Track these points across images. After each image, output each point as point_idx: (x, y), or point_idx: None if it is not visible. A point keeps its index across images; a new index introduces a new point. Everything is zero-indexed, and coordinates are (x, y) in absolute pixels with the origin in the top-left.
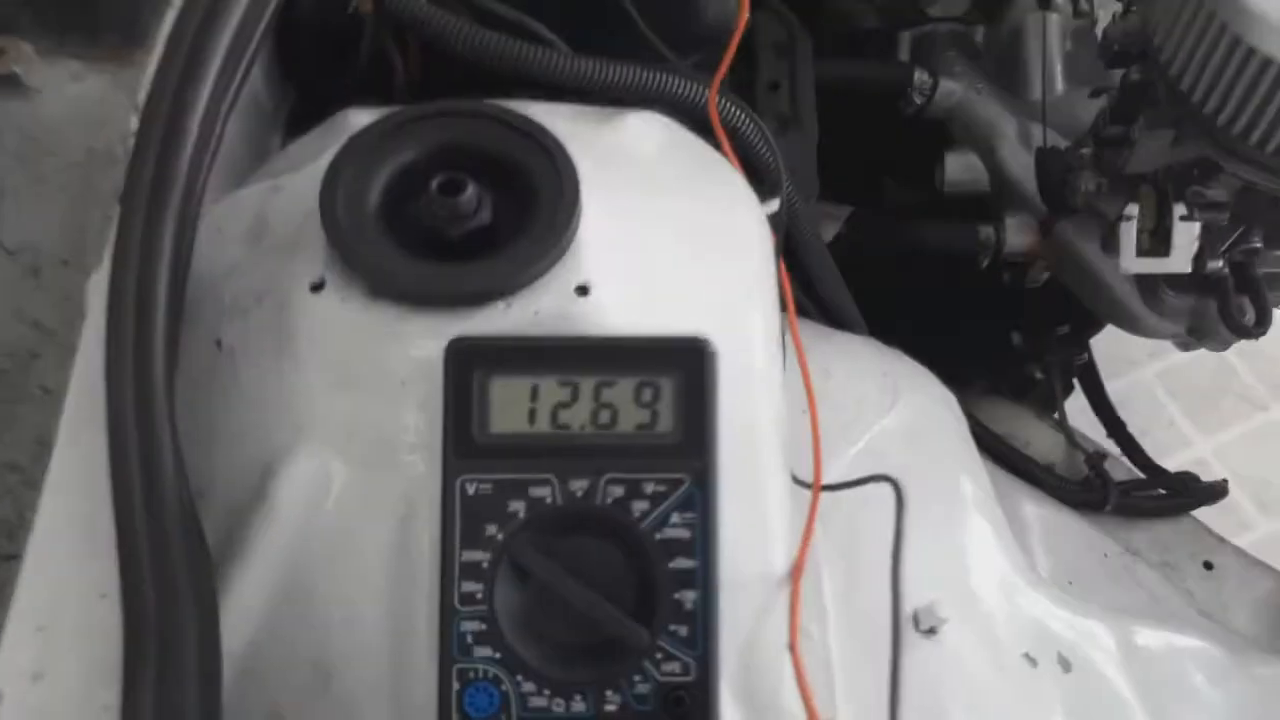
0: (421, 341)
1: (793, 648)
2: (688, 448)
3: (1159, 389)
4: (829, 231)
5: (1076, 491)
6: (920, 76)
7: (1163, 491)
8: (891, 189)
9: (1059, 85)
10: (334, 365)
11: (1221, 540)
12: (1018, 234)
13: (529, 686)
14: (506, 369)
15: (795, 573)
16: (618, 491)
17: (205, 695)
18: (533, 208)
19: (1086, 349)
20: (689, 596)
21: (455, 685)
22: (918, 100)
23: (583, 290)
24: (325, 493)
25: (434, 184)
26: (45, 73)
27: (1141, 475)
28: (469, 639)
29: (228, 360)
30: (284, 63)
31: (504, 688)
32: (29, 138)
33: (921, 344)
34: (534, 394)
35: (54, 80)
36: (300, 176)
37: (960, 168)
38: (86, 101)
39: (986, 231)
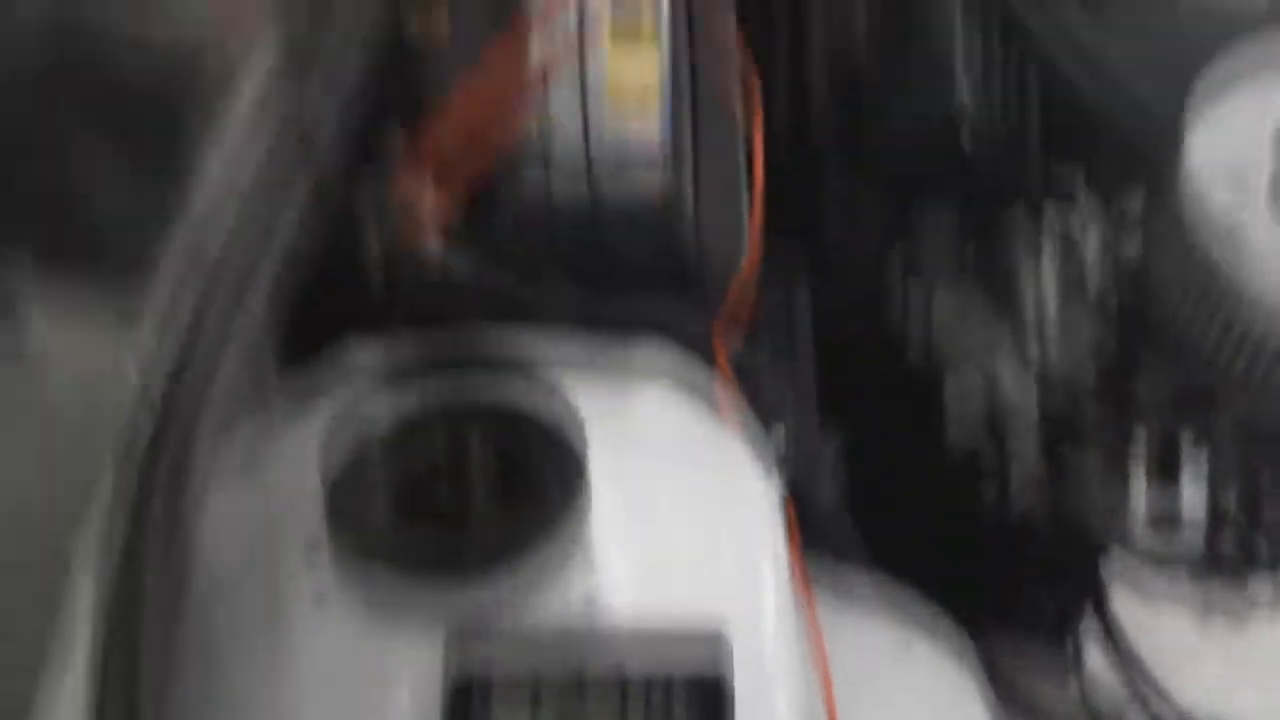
0: (418, 656)
1: None
2: None
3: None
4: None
5: None
6: (910, 295)
7: None
8: (893, 407)
9: (1054, 302)
10: (329, 677)
11: None
12: (1022, 462)
13: None
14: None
15: None
16: None
17: None
18: (543, 464)
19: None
20: None
21: None
22: (911, 320)
23: (589, 594)
24: None
25: (436, 439)
26: (46, 331)
27: None
28: None
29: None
30: (285, 291)
31: None
32: (22, 405)
33: (930, 577)
34: None
35: (54, 338)
36: (298, 418)
37: (958, 389)
38: (86, 366)
39: (989, 459)
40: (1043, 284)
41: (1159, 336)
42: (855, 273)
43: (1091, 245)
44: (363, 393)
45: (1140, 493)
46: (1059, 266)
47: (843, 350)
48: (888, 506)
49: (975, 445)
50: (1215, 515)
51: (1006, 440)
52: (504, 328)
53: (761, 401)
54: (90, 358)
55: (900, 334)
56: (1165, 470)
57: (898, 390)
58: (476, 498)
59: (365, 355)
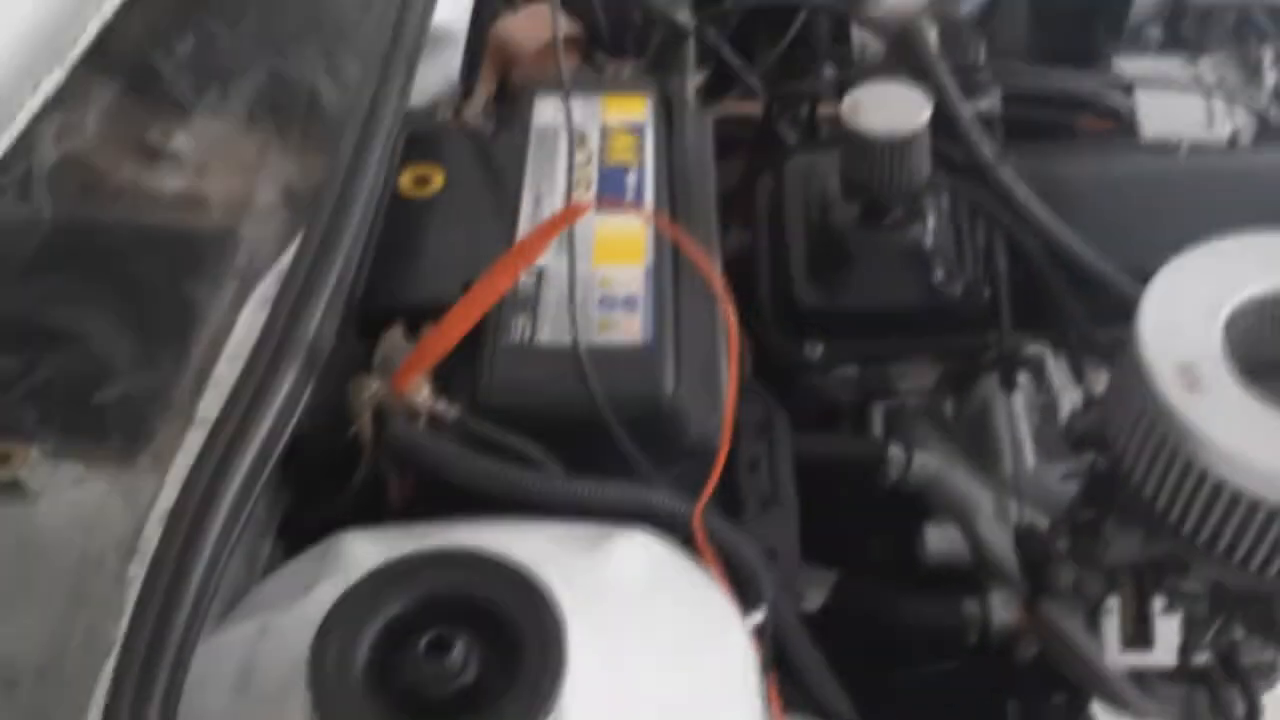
0: None
1: None
2: None
3: None
4: (816, 598)
5: None
6: (894, 451)
7: None
8: (879, 550)
9: (1030, 460)
10: None
11: None
12: (1003, 610)
13: None
14: None
15: None
16: None
17: None
18: (519, 665)
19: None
20: None
21: None
22: (893, 475)
23: None
24: None
25: (422, 644)
26: (47, 477)
27: None
28: None
29: None
30: (282, 471)
31: None
32: (24, 542)
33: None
34: None
35: (55, 484)
36: (289, 619)
37: (942, 540)
38: (84, 506)
39: (971, 607)
40: (1020, 444)
41: (1126, 502)
42: (837, 419)
43: (1065, 409)
44: (350, 593)
45: (1115, 648)
46: (1036, 427)
47: (826, 500)
48: (871, 657)
49: (957, 596)
50: (1189, 672)
51: (988, 592)
52: (492, 514)
53: (745, 575)
54: (86, 504)
55: (883, 489)
56: (1139, 628)
57: (880, 541)
58: (455, 651)
59: (357, 545)
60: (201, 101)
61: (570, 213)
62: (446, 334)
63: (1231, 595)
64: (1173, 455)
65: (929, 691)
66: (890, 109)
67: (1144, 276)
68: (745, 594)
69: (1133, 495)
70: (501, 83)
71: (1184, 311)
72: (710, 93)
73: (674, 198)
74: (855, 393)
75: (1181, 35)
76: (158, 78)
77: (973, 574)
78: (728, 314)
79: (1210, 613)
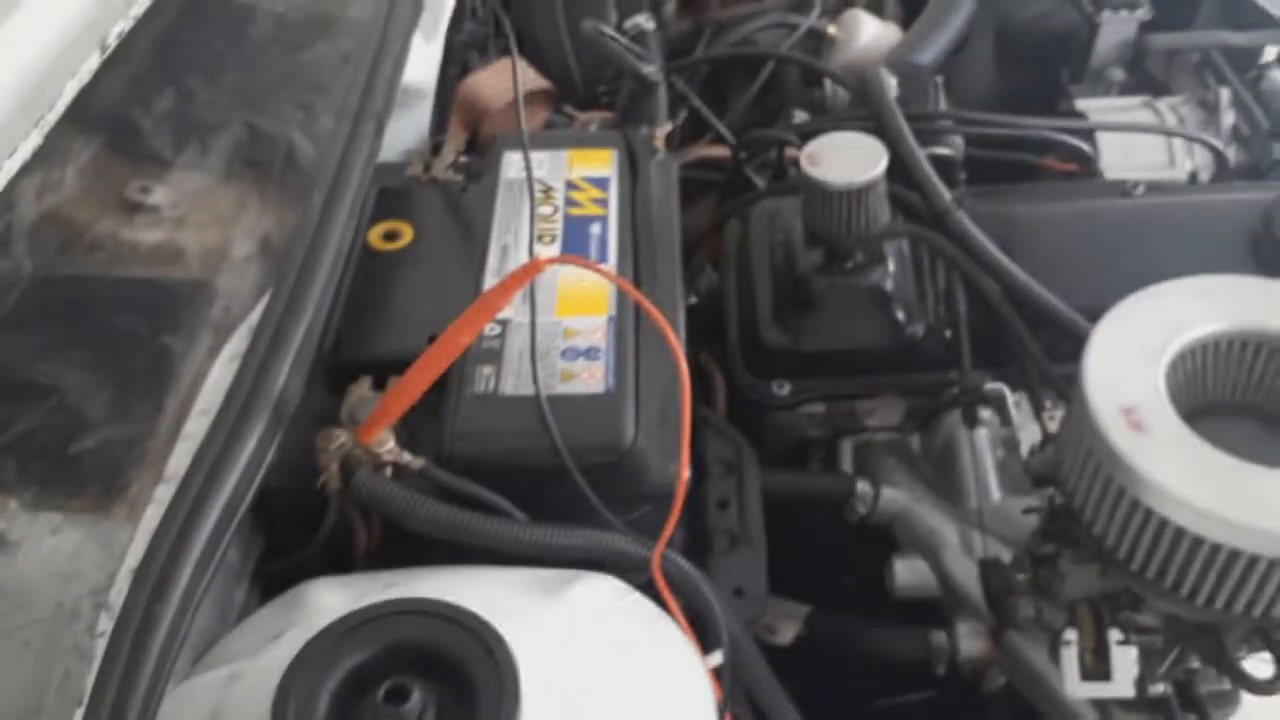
0: None
1: None
2: None
3: None
4: (790, 631)
5: None
6: (862, 487)
7: None
8: (850, 583)
9: (995, 494)
10: None
11: None
12: (970, 641)
13: None
14: None
15: None
16: None
17: None
18: (475, 711)
19: None
20: None
21: None
22: (861, 510)
23: None
24: None
25: (380, 692)
26: (26, 527)
27: None
28: None
29: None
30: (254, 518)
31: None
32: (2, 592)
33: None
34: None
35: (34, 534)
36: (255, 666)
37: (909, 572)
38: (61, 556)
39: (939, 638)
40: (984, 478)
41: (1080, 537)
42: (807, 455)
43: (1025, 445)
44: (311, 644)
45: (1075, 679)
46: (1000, 461)
47: (798, 534)
48: (845, 688)
49: (925, 627)
50: (1147, 701)
51: (955, 624)
52: (457, 561)
53: (704, 615)
54: (63, 554)
55: (851, 524)
56: (1097, 659)
57: (845, 573)
58: (412, 700)
59: (323, 594)
60: (180, 156)
61: (530, 268)
62: (410, 387)
63: (1184, 627)
64: (1119, 494)
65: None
66: (848, 159)
67: (1101, 315)
68: (705, 635)
69: (1086, 531)
70: (472, 137)
71: (1128, 355)
72: (687, 137)
73: (637, 248)
74: (824, 429)
75: (1143, 77)
76: (137, 133)
77: (941, 606)
78: (679, 365)
79: (1165, 644)
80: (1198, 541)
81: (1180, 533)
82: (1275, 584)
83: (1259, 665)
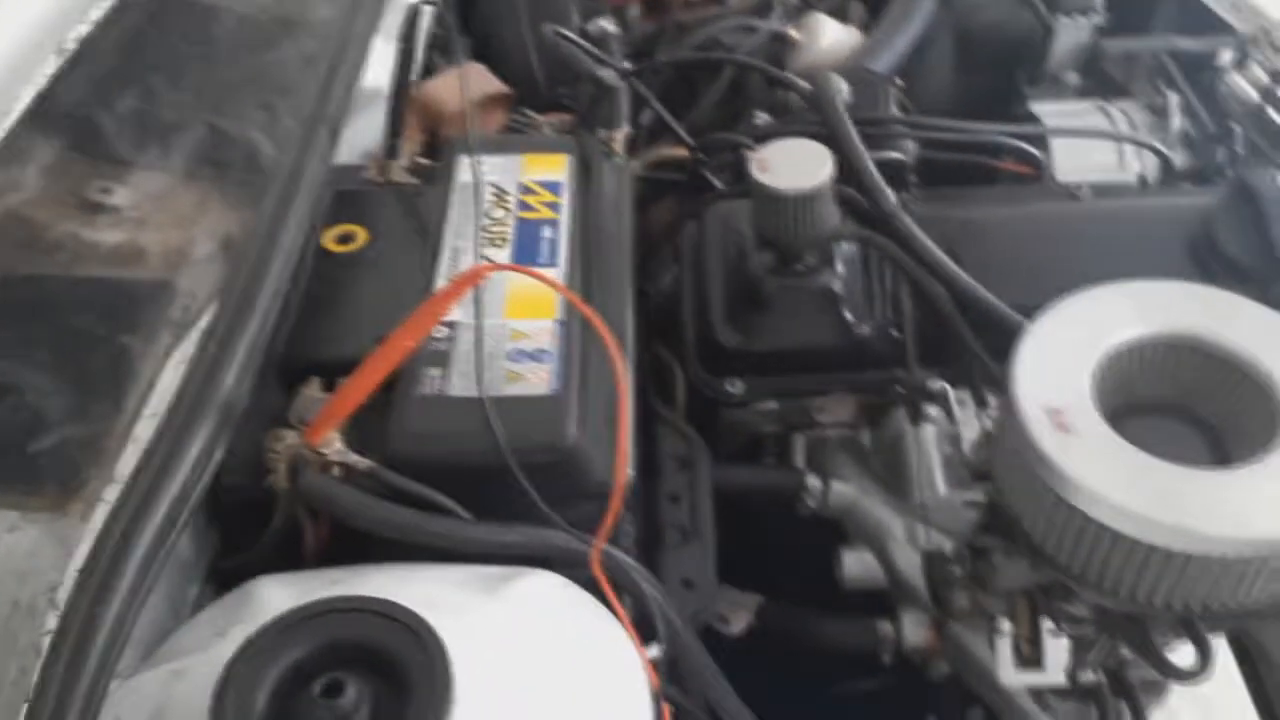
0: None
1: None
2: None
3: None
4: (742, 621)
5: None
6: (812, 481)
7: None
8: (803, 575)
9: (940, 488)
10: None
11: None
12: (915, 630)
13: None
14: None
15: None
16: None
17: None
18: (409, 703)
19: None
20: None
21: None
22: (811, 503)
23: None
24: None
25: (316, 688)
26: None
27: None
28: None
29: None
30: (208, 515)
31: None
32: None
33: None
34: None
35: None
36: (200, 663)
37: (858, 564)
38: (17, 554)
39: (885, 628)
40: (931, 473)
41: (1012, 532)
42: (761, 450)
43: (967, 442)
44: (251, 642)
45: (1008, 665)
46: (947, 456)
47: (744, 527)
48: (798, 676)
49: (872, 617)
50: (1078, 689)
51: (900, 614)
52: (399, 562)
53: (644, 609)
54: (19, 552)
55: (802, 511)
56: (1031, 648)
57: (797, 565)
58: (347, 694)
59: (269, 591)
60: (141, 156)
61: (471, 275)
62: (355, 390)
63: (1112, 618)
64: (1044, 492)
65: (853, 709)
66: (796, 165)
67: None
68: (645, 628)
69: (1016, 526)
70: (433, 140)
71: (1056, 357)
72: (655, 136)
73: (588, 252)
74: (778, 425)
75: (1103, 79)
76: (99, 133)
77: (886, 598)
78: (618, 370)
79: (1095, 634)
80: (1119, 538)
81: (1102, 530)
82: (1195, 578)
83: (1185, 654)
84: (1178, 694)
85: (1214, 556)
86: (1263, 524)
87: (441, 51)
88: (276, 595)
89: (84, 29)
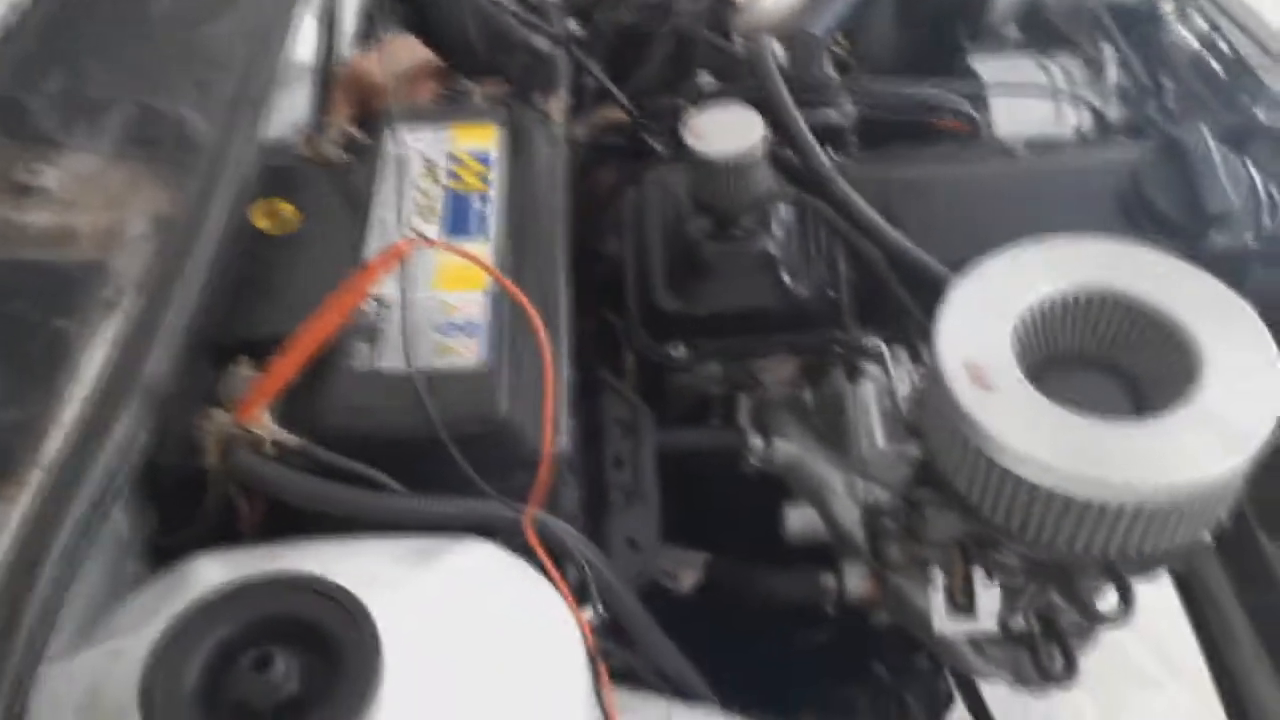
0: None
1: None
2: None
3: None
4: (690, 577)
5: None
6: (754, 440)
7: None
8: (748, 531)
9: (880, 441)
10: None
11: None
12: (856, 582)
13: None
14: None
15: None
16: None
17: None
18: (339, 675)
19: (947, 678)
20: None
21: None
22: (754, 461)
23: None
24: None
25: (244, 661)
26: None
27: None
28: None
29: None
30: (144, 493)
31: None
32: None
33: (787, 685)
34: None
35: None
36: (136, 642)
37: (801, 520)
38: None
39: (828, 580)
40: (871, 429)
41: (940, 485)
42: (707, 409)
43: (903, 397)
44: (180, 618)
45: (941, 614)
46: (886, 412)
47: (692, 487)
48: (746, 630)
49: (815, 570)
50: (1010, 635)
51: (842, 567)
52: (333, 534)
53: (579, 574)
54: None
55: (747, 476)
56: (963, 597)
57: (744, 523)
58: (276, 666)
59: (205, 569)
60: (70, 137)
61: (396, 250)
62: (282, 368)
63: (1040, 567)
64: (965, 447)
65: (800, 659)
66: (728, 131)
67: None
68: (584, 591)
69: (944, 480)
70: (365, 114)
71: (978, 314)
72: (599, 100)
73: (520, 222)
74: (723, 386)
75: (1049, 31)
76: (25, 114)
77: (828, 550)
78: (541, 343)
79: (1025, 582)
80: (1041, 492)
81: (1023, 483)
82: (1116, 526)
83: (1110, 600)
84: (1129, 632)
85: (1134, 505)
86: (1180, 471)
87: (374, 22)
88: (213, 572)
89: (9, 7)
